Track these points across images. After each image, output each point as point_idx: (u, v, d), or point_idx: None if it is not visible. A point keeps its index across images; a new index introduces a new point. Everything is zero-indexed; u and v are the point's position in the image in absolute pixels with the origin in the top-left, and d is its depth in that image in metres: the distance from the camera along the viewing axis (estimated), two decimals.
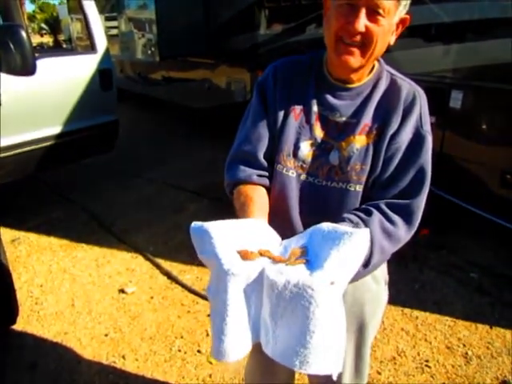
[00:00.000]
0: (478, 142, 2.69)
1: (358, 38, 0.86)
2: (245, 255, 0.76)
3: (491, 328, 2.15)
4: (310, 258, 0.77)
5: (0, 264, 1.96)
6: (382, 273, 1.14)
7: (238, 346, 0.76)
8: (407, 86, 0.96)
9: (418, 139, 0.94)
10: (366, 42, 0.87)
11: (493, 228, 2.61)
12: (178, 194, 3.73)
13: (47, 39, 28.85)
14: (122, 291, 2.46)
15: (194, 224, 0.83)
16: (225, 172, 1.06)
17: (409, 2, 0.87)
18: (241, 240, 0.79)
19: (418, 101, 0.95)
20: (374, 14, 0.84)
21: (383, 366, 1.93)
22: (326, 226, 0.81)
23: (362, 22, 0.84)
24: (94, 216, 3.36)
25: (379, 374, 1.89)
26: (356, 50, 0.88)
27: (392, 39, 0.91)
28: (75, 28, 8.10)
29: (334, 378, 0.73)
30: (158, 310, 2.31)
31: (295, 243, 0.83)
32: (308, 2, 3.82)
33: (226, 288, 0.73)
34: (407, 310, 2.27)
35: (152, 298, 2.40)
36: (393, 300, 2.30)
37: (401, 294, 2.34)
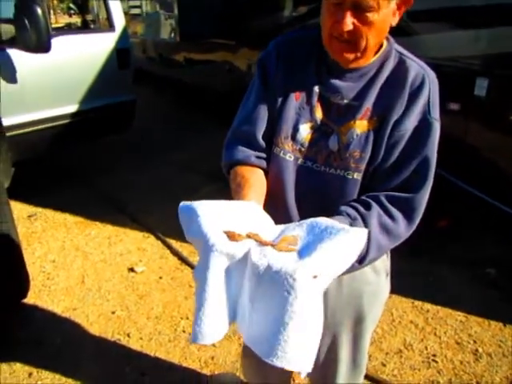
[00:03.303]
0: (504, 132, 2.56)
1: (347, 35, 0.83)
2: (232, 236, 0.74)
3: (505, 326, 2.08)
4: (301, 249, 0.74)
5: (11, 240, 2.00)
6: (383, 264, 1.09)
7: (215, 327, 0.74)
8: (416, 68, 0.90)
9: (424, 127, 0.88)
10: (355, 39, 0.83)
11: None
12: (192, 177, 3.73)
13: (75, 19, 29.12)
14: (131, 270, 2.48)
15: (183, 203, 0.81)
16: (223, 151, 1.03)
17: None
18: (230, 221, 0.76)
19: (427, 84, 0.88)
20: (361, 11, 0.80)
21: (388, 358, 1.89)
22: (325, 221, 0.77)
23: (349, 21, 0.80)
24: (108, 195, 3.40)
25: (384, 365, 1.86)
26: (349, 46, 0.85)
27: (395, 20, 0.85)
28: (100, 8, 8.13)
29: (302, 376, 0.70)
30: (166, 290, 2.32)
31: (289, 231, 0.79)
32: None
33: (208, 263, 0.71)
34: (418, 303, 2.21)
35: (161, 278, 2.42)
36: (404, 291, 2.26)
37: (412, 286, 2.28)
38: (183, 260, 2.56)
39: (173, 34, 5.37)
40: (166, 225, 2.92)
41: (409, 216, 0.89)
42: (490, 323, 2.10)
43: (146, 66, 6.48)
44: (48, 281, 2.40)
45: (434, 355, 1.91)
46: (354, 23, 0.81)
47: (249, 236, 0.75)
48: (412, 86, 0.88)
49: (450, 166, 2.51)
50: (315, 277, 0.67)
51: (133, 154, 4.27)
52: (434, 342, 1.98)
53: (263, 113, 0.97)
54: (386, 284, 1.12)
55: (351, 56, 0.87)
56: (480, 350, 1.95)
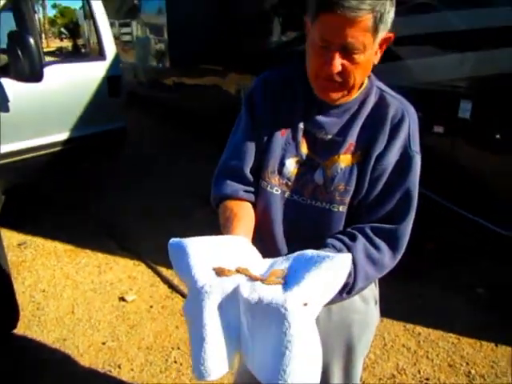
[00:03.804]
0: (487, 153, 2.62)
1: (336, 76, 0.85)
2: (221, 272, 0.74)
3: (496, 346, 2.09)
4: (288, 279, 0.75)
5: (1, 269, 1.98)
6: (371, 292, 1.11)
7: (219, 363, 0.74)
8: (396, 104, 0.93)
9: (405, 160, 0.91)
10: (343, 79, 0.86)
11: (501, 242, 2.54)
12: (183, 201, 3.73)
13: (66, 43, 29.42)
14: (122, 299, 2.46)
15: (172, 240, 0.82)
16: (212, 186, 1.05)
17: (390, 20, 0.83)
18: (219, 257, 0.77)
19: (407, 119, 0.91)
20: (348, 53, 0.82)
21: None
22: (310, 251, 0.79)
23: (337, 63, 0.83)
24: (98, 222, 3.38)
25: None
26: (335, 85, 0.87)
27: (377, 58, 0.88)
28: (91, 33, 8.27)
29: None
30: (157, 319, 2.30)
31: (277, 265, 0.81)
32: None
33: (202, 307, 0.71)
34: (409, 326, 2.22)
35: (151, 307, 2.40)
36: (395, 315, 2.26)
37: (403, 310, 2.29)
38: (174, 288, 2.54)
39: (163, 60, 5.46)
40: (157, 252, 2.90)
41: (393, 246, 0.91)
42: (481, 344, 2.10)
43: (137, 90, 6.54)
44: (38, 311, 2.37)
45: (427, 379, 1.91)
46: (342, 64, 0.83)
47: (238, 271, 0.76)
48: (392, 122, 0.91)
49: (437, 188, 2.55)
50: (305, 304, 0.69)
51: (123, 179, 4.27)
52: (427, 366, 1.98)
53: (251, 148, 0.99)
54: (375, 312, 1.13)
55: (338, 95, 0.89)
56: (473, 371, 1.95)
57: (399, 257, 0.92)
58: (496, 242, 2.59)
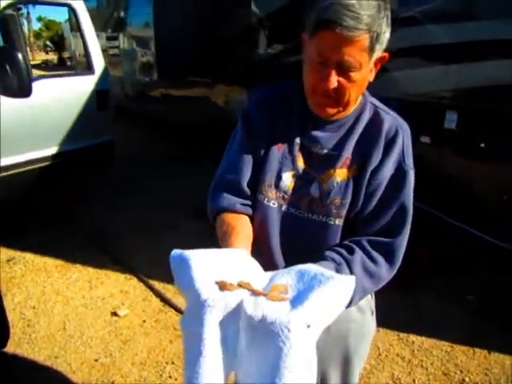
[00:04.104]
0: (474, 162, 2.68)
1: (332, 92, 0.87)
2: (223, 286, 0.74)
3: (489, 353, 2.11)
4: (292, 297, 0.75)
5: None
6: (367, 303, 1.12)
7: (214, 380, 0.73)
8: (390, 120, 0.95)
9: (400, 175, 0.93)
10: (339, 95, 0.88)
11: (492, 249, 2.58)
12: (174, 214, 3.72)
13: (52, 56, 29.30)
14: (114, 314, 2.43)
15: (174, 252, 0.82)
16: (208, 199, 1.05)
17: (386, 40, 0.85)
18: (221, 270, 0.77)
19: (401, 135, 0.94)
20: (345, 70, 0.84)
21: None
22: (313, 268, 0.79)
23: (334, 79, 0.84)
24: (89, 237, 3.35)
25: None
26: (331, 101, 0.89)
27: (372, 76, 0.91)
28: (77, 46, 8.26)
29: None
30: (150, 334, 2.28)
31: (279, 278, 0.81)
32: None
33: (203, 320, 0.71)
34: (403, 335, 2.23)
35: (144, 321, 2.37)
36: (389, 324, 2.27)
37: (397, 318, 2.30)
38: (166, 302, 2.52)
39: (151, 73, 5.47)
40: (149, 265, 2.90)
41: (390, 259, 0.93)
42: (474, 351, 2.12)
43: (125, 103, 6.53)
44: (28, 328, 2.32)
45: None
46: (338, 81, 0.85)
47: (240, 285, 0.76)
48: (387, 137, 0.93)
49: (426, 198, 2.59)
50: (308, 326, 0.69)
51: (113, 192, 4.24)
52: (422, 374, 1.99)
53: (247, 162, 1.00)
54: (371, 322, 1.14)
55: (333, 110, 0.92)
56: (467, 379, 1.97)
57: (395, 270, 0.94)
58: (486, 251, 2.63)
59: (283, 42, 4.10)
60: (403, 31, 2.58)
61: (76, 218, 3.65)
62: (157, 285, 2.67)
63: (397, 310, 2.35)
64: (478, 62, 2.52)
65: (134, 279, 2.78)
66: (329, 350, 1.08)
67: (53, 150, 3.10)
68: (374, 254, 0.90)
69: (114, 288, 2.69)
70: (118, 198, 4.08)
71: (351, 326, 1.07)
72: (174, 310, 2.44)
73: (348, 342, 1.08)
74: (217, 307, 0.71)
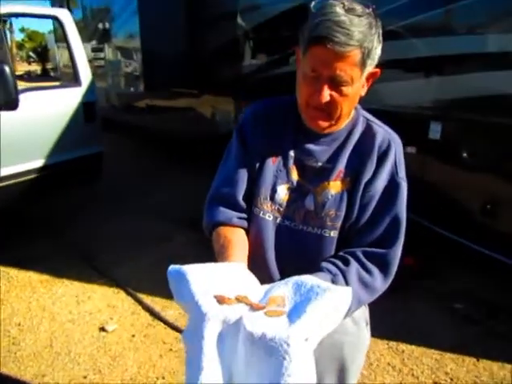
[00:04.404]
0: (458, 172, 2.73)
1: (324, 106, 0.89)
2: (222, 300, 0.75)
3: (478, 360, 2.13)
4: (289, 310, 0.76)
5: None
6: (361, 314, 1.13)
7: None
8: (382, 133, 0.97)
9: (393, 187, 0.95)
10: (331, 109, 0.90)
11: (477, 257, 2.62)
12: (163, 226, 3.69)
13: (35, 67, 29.04)
14: (102, 329, 2.39)
15: (172, 267, 0.82)
16: (204, 213, 1.06)
17: (377, 56, 0.88)
18: (218, 284, 0.78)
19: (393, 148, 0.96)
20: (337, 85, 0.86)
21: None
22: (310, 279, 0.80)
23: (326, 93, 0.87)
24: (75, 250, 3.30)
25: None
26: (324, 114, 0.91)
27: (364, 91, 0.93)
28: (62, 57, 8.21)
29: None
30: (140, 348, 2.24)
31: (275, 290, 0.81)
32: (291, 35, 3.92)
33: (202, 333, 0.72)
34: (393, 344, 2.24)
35: (133, 336, 2.34)
36: (379, 333, 2.28)
37: (386, 327, 2.31)
38: (156, 315, 2.49)
39: (137, 84, 5.46)
40: (137, 278, 2.87)
41: (384, 270, 0.94)
42: (464, 359, 2.15)
43: (111, 114, 6.49)
44: (14, 346, 2.27)
45: None
46: (330, 95, 0.87)
47: (238, 299, 0.77)
48: (380, 150, 0.95)
49: (411, 207, 2.63)
50: (306, 339, 0.70)
51: (99, 204, 4.20)
52: (413, 383, 2.00)
53: (243, 175, 1.01)
54: (366, 333, 1.15)
55: (326, 124, 0.93)
56: None
57: (390, 281, 0.95)
58: (474, 259, 2.68)
59: (268, 54, 4.16)
60: (388, 45, 2.65)
61: (62, 231, 3.60)
62: (145, 298, 2.64)
63: (386, 318, 2.36)
64: (459, 75, 2.59)
65: (121, 293, 2.74)
66: (324, 361, 1.08)
67: (40, 163, 3.06)
68: (369, 265, 0.92)
69: (102, 302, 2.65)
70: (105, 210, 4.04)
71: (347, 338, 1.08)
72: (163, 324, 2.42)
73: (344, 354, 1.08)
74: (216, 321, 0.72)
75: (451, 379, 2.03)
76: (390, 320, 2.38)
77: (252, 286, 0.83)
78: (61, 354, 2.21)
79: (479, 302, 2.53)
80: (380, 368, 2.09)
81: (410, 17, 2.70)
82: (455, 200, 2.75)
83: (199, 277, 0.78)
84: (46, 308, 2.61)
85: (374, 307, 1.15)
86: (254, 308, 0.76)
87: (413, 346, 2.22)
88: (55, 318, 2.50)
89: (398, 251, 0.95)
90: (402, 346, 2.22)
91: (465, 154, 2.66)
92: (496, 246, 2.52)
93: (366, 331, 1.15)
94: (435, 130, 2.69)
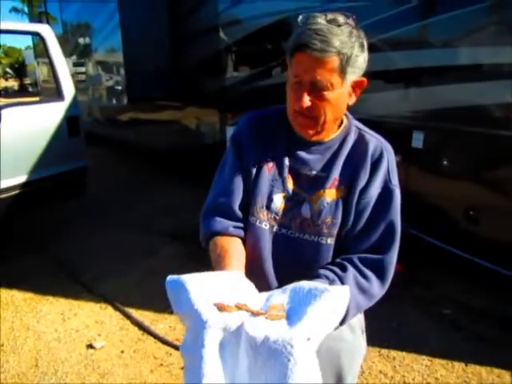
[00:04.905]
0: (441, 180, 2.80)
1: (307, 110, 0.92)
2: (222, 308, 0.75)
3: (466, 365, 2.15)
4: (289, 314, 0.77)
5: None
6: (358, 321, 1.14)
7: None
8: (374, 142, 1.00)
9: (387, 194, 0.97)
10: (314, 114, 0.93)
11: (463, 263, 2.66)
12: (150, 238, 3.65)
13: (12, 83, 28.66)
14: (90, 346, 2.33)
15: (170, 278, 0.82)
16: (200, 223, 1.06)
17: (361, 65, 0.91)
18: (218, 293, 0.79)
19: (386, 156, 0.98)
20: (317, 90, 0.90)
21: None
22: (307, 284, 0.81)
23: (306, 99, 0.90)
24: (60, 265, 3.23)
25: None
26: (310, 120, 0.94)
27: (352, 100, 0.96)
28: (42, 72, 8.13)
29: None
30: (129, 364, 2.20)
31: (275, 298, 0.82)
32: (274, 48, 3.98)
33: (203, 341, 0.71)
34: (384, 351, 2.25)
35: (122, 352, 2.29)
36: (370, 340, 2.27)
37: (377, 334, 2.29)
38: (145, 330, 2.45)
39: (120, 97, 5.44)
40: (125, 292, 2.82)
41: (381, 276, 0.96)
42: (453, 364, 2.17)
43: (93, 129, 6.43)
44: None
45: None
46: (311, 100, 0.91)
47: (238, 307, 0.77)
48: (373, 158, 0.98)
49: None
50: (309, 339, 0.71)
51: (84, 218, 4.13)
52: None
53: (238, 185, 1.02)
54: (362, 341, 1.16)
55: (312, 130, 0.96)
56: None
57: (387, 286, 0.97)
58: (459, 264, 2.72)
59: (250, 66, 4.22)
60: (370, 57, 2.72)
61: (46, 247, 3.52)
62: (134, 313, 2.60)
63: (377, 326, 2.37)
64: (437, 86, 2.67)
65: (109, 308, 2.69)
66: (322, 370, 1.08)
67: (23, 179, 3.01)
68: (366, 270, 0.93)
69: (89, 319, 2.59)
70: (90, 225, 3.98)
71: (343, 346, 1.08)
72: (153, 338, 2.38)
73: (341, 362, 1.08)
74: (217, 328, 0.72)
75: None
76: (381, 327, 2.39)
77: (251, 294, 0.84)
78: (47, 374, 2.15)
79: (466, 308, 2.57)
80: (372, 376, 2.10)
81: (389, 30, 2.78)
82: (439, 207, 2.81)
83: (198, 285, 0.78)
84: (30, 327, 2.53)
85: (364, 314, 1.16)
86: (254, 315, 0.76)
87: (404, 353, 2.24)
88: (40, 337, 2.44)
89: (393, 256, 0.97)
90: (394, 353, 2.23)
91: (446, 162, 2.73)
92: (479, 251, 2.58)
93: (362, 339, 1.17)
94: (418, 139, 2.75)
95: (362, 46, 0.90)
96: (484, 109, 2.47)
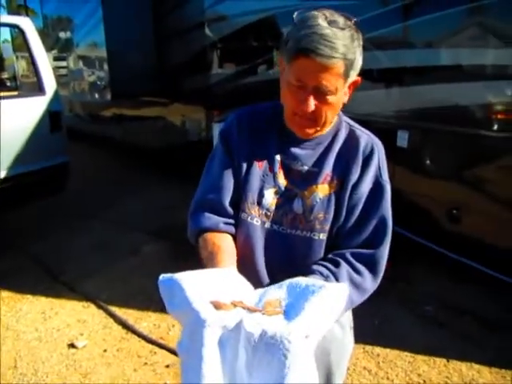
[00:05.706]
0: (425, 178, 2.84)
1: (310, 115, 0.91)
2: (218, 306, 0.74)
3: (448, 362, 2.19)
4: (287, 309, 0.76)
5: None
6: (347, 318, 1.15)
7: None
8: (365, 137, 1.00)
9: (377, 189, 0.97)
10: (317, 117, 0.92)
11: (446, 260, 2.71)
12: (133, 236, 3.60)
13: None
14: (71, 346, 2.29)
15: (163, 276, 0.81)
16: (188, 220, 1.04)
17: (359, 66, 0.91)
18: (212, 290, 0.78)
19: (376, 151, 0.99)
20: (321, 94, 0.89)
21: None
22: (303, 280, 0.81)
23: (312, 103, 0.89)
24: (41, 263, 3.16)
25: None
26: (309, 122, 0.93)
27: (346, 98, 0.96)
28: (21, 66, 7.95)
29: None
30: (113, 363, 2.17)
31: (271, 294, 0.81)
32: (260, 45, 3.98)
33: (202, 340, 0.70)
34: (368, 348, 2.27)
35: (105, 350, 2.26)
36: (355, 337, 2.29)
37: (362, 331, 2.30)
38: (129, 328, 2.42)
39: (103, 93, 5.36)
40: (108, 290, 2.78)
41: (373, 270, 0.96)
42: (435, 361, 2.20)
43: (74, 124, 6.32)
44: None
45: None
46: (315, 104, 0.90)
47: (234, 304, 0.76)
48: (364, 154, 0.98)
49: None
50: (307, 336, 0.70)
51: (66, 216, 4.05)
52: None
53: (228, 181, 1.01)
54: (350, 337, 1.17)
55: (311, 131, 0.96)
56: None
57: (379, 281, 0.97)
58: (441, 260, 2.76)
59: (236, 63, 4.21)
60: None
61: (26, 245, 3.44)
62: (118, 311, 2.56)
63: (360, 323, 2.39)
64: (420, 86, 2.71)
65: (92, 306, 2.64)
66: None
67: (2, 174, 2.93)
68: (359, 265, 0.93)
69: (71, 318, 2.54)
70: (72, 222, 3.90)
71: (333, 342, 1.08)
72: (137, 337, 2.35)
73: (330, 359, 1.09)
74: (216, 326, 0.71)
75: (424, 381, 2.07)
76: (365, 324, 2.37)
77: (246, 291, 0.83)
78: (27, 375, 2.10)
79: (448, 305, 2.61)
80: (356, 372, 2.11)
81: (373, 30, 2.80)
82: (422, 205, 2.85)
83: (193, 283, 0.77)
84: (9, 327, 2.47)
85: (352, 311, 1.16)
86: (251, 311, 0.75)
87: (387, 350, 2.26)
88: (20, 337, 2.38)
89: (385, 251, 0.97)
90: (377, 350, 2.26)
91: (430, 161, 2.76)
92: (461, 249, 2.62)
93: (350, 335, 1.17)
94: (402, 138, 2.78)
95: (360, 48, 0.90)
96: (466, 109, 2.52)
